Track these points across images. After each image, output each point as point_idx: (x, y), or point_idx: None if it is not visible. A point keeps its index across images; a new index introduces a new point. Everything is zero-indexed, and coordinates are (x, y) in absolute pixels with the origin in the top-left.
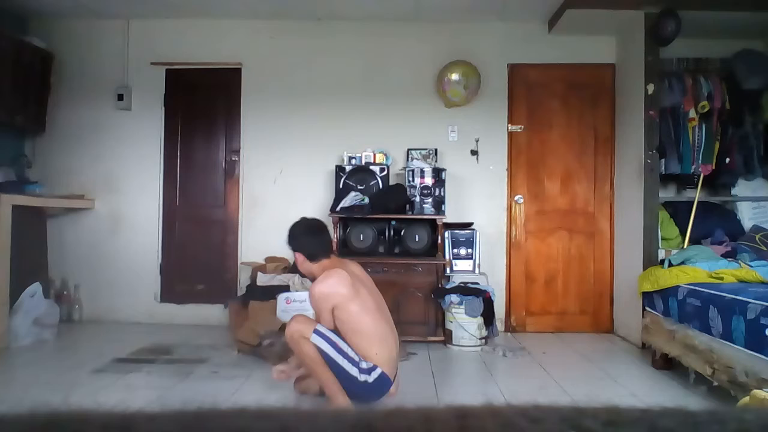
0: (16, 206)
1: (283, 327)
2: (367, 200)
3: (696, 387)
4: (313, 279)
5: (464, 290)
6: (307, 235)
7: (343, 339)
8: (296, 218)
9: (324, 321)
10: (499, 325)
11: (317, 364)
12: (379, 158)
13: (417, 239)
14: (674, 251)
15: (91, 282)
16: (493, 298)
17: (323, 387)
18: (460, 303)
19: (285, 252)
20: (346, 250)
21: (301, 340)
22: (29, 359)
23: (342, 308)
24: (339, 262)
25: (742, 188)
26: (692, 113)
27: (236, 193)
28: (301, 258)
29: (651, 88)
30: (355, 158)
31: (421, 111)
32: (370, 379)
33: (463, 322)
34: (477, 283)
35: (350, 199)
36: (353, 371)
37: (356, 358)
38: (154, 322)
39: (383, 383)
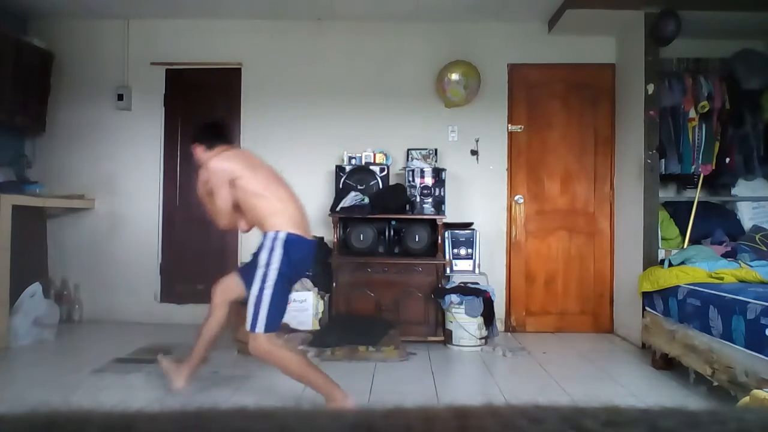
0: (16, 206)
1: (283, 327)
2: (367, 200)
3: (696, 387)
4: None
5: (464, 290)
6: (207, 128)
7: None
8: None
9: (222, 197)
10: (499, 325)
11: (302, 366)
12: (379, 158)
13: (417, 239)
14: (674, 251)
15: (91, 282)
16: (493, 298)
17: (316, 389)
18: (460, 303)
19: None
20: (346, 250)
21: (272, 352)
22: (29, 359)
23: (239, 178)
24: (237, 149)
25: (742, 188)
26: (692, 113)
27: None
28: (200, 150)
29: (651, 88)
30: (355, 158)
31: (421, 111)
32: (279, 245)
33: (463, 322)
34: (477, 283)
35: (350, 199)
36: (269, 267)
37: (264, 259)
38: (154, 322)
39: (297, 242)
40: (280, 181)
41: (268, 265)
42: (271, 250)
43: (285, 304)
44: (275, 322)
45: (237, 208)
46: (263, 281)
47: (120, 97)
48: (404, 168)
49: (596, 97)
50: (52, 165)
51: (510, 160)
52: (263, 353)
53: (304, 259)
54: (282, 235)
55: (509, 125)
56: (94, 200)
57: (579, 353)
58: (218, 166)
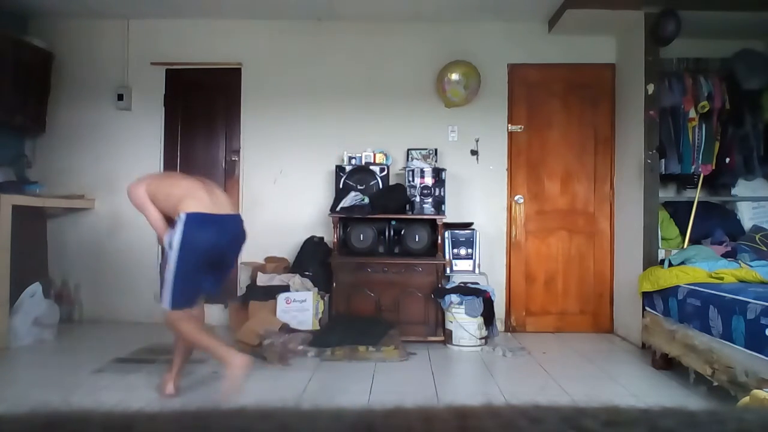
0: (16, 206)
1: (283, 327)
2: (367, 200)
3: (696, 387)
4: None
5: (464, 290)
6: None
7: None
8: (296, 218)
9: (148, 211)
10: (499, 325)
11: (201, 335)
12: (379, 158)
13: (417, 239)
14: (674, 251)
15: (91, 282)
16: (493, 298)
17: (212, 355)
18: (460, 303)
19: (285, 252)
20: (346, 249)
21: (176, 326)
22: (29, 359)
23: (151, 187)
24: None
25: (742, 188)
26: (692, 113)
27: (236, 193)
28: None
29: (651, 88)
30: (355, 158)
31: (421, 111)
32: (179, 227)
33: (463, 322)
34: (477, 283)
35: (350, 199)
36: (171, 250)
37: (167, 242)
38: (154, 322)
39: (197, 220)
40: (188, 176)
41: (170, 247)
42: (174, 233)
43: (190, 284)
44: (179, 301)
45: (170, 221)
46: (167, 263)
47: (120, 97)
48: (404, 168)
49: (596, 97)
50: (52, 165)
51: (510, 160)
52: (169, 324)
53: (208, 234)
54: (182, 217)
55: (509, 125)
56: (94, 200)
57: (579, 353)
58: (132, 189)
